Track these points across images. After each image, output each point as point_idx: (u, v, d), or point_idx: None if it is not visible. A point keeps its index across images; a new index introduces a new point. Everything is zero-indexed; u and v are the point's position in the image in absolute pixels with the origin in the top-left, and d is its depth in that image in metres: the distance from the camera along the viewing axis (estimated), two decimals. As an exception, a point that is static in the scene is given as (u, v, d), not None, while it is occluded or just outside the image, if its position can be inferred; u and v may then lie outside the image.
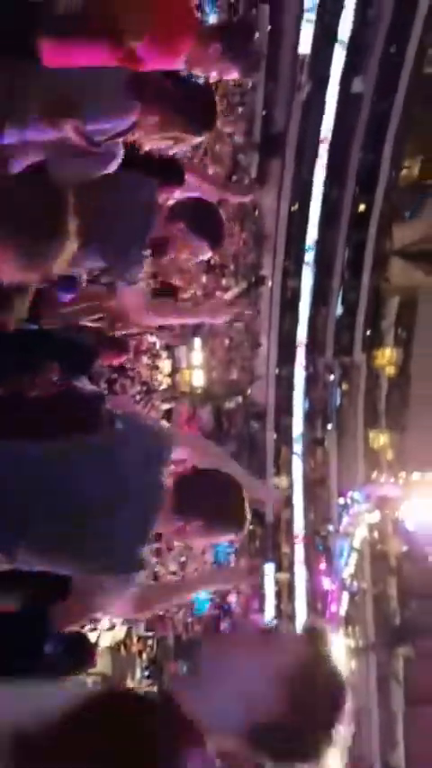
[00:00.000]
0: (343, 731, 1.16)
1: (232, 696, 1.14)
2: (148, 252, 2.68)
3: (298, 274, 17.26)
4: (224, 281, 16.10)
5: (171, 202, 2.87)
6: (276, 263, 17.17)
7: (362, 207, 16.99)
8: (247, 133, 16.40)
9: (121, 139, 2.47)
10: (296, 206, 17.32)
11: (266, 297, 17.08)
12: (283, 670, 1.13)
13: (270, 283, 17.03)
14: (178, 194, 2.99)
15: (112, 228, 2.57)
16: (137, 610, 2.23)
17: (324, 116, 15.80)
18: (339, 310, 17.78)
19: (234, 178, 16.16)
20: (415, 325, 17.77)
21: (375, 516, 16.34)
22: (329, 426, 16.21)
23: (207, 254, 2.87)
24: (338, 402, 16.93)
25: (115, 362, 4.28)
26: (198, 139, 2.68)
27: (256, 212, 17.13)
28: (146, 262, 2.69)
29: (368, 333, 17.48)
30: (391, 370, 17.51)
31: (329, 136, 15.96)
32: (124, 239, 2.63)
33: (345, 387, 17.16)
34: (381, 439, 16.65)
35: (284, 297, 17.45)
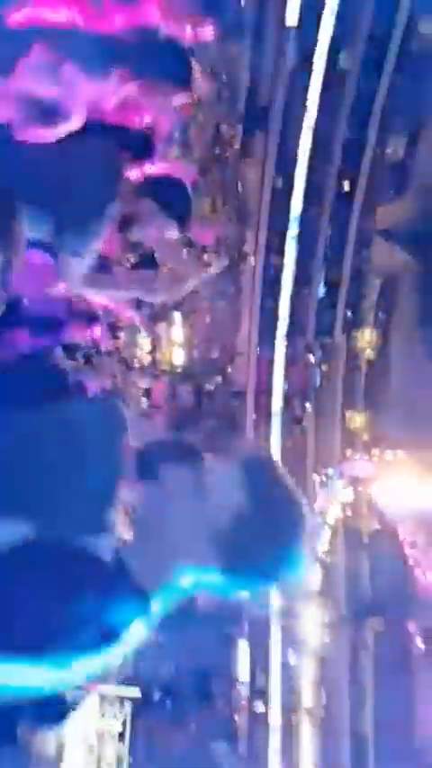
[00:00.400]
0: None
1: None
2: (109, 225, 2.63)
3: (281, 252, 17.15)
4: (205, 257, 15.97)
5: (140, 177, 2.78)
6: (259, 239, 17.04)
7: (346, 185, 16.83)
8: (231, 104, 16.07)
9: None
10: (280, 182, 17.12)
11: (248, 274, 16.99)
12: None
13: (252, 261, 16.92)
14: (150, 169, 2.91)
15: (68, 196, 2.52)
16: None
17: (310, 90, 15.50)
18: (322, 291, 17.78)
19: (217, 150, 15.91)
20: (395, 307, 17.82)
21: (349, 494, 16.63)
22: (308, 406, 16.37)
23: (175, 233, 2.82)
24: (318, 382, 17.06)
25: (88, 335, 4.26)
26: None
27: (239, 187, 16.90)
28: (102, 236, 2.63)
29: (349, 314, 17.52)
30: (370, 352, 17.64)
31: (315, 111, 15.69)
32: (82, 209, 2.57)
33: (324, 368, 17.28)
34: (357, 419, 16.87)
35: (267, 275, 17.37)
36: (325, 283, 17.68)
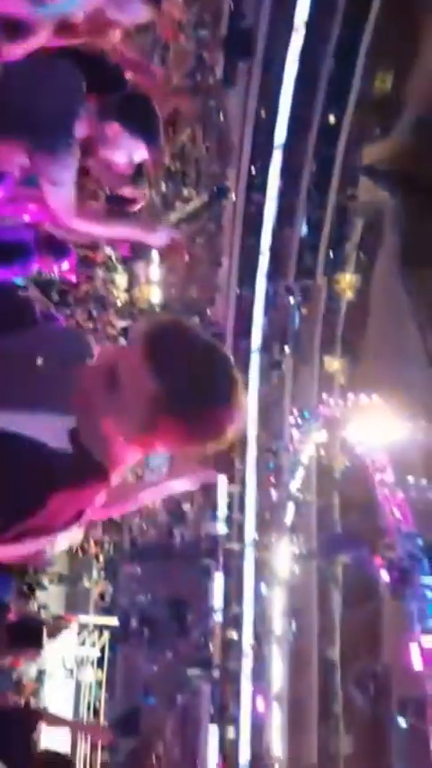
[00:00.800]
0: None
1: None
2: (75, 148, 2.46)
3: (263, 188, 16.68)
4: (185, 191, 15.47)
5: (107, 100, 2.59)
6: (241, 174, 16.52)
7: (332, 119, 16.29)
8: (213, 28, 15.22)
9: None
10: (263, 113, 16.47)
11: (229, 211, 16.56)
12: None
13: (234, 197, 16.46)
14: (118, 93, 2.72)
15: (33, 112, 2.38)
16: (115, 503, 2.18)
17: (296, 17, 14.72)
18: (304, 230, 17.45)
19: (198, 78, 15.14)
20: (378, 248, 17.66)
21: (323, 435, 16.96)
22: (286, 349, 16.39)
23: (143, 154, 2.63)
24: (296, 325, 17.01)
25: (56, 268, 4.10)
26: None
27: (221, 117, 16.24)
28: (74, 161, 2.47)
29: (331, 255, 17.32)
30: (350, 295, 17.58)
31: (301, 39, 14.96)
32: (47, 125, 2.42)
33: (304, 310, 17.20)
34: (335, 364, 17.01)
35: (248, 212, 16.95)
36: (308, 222, 17.36)
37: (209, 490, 15.53)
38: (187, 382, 1.36)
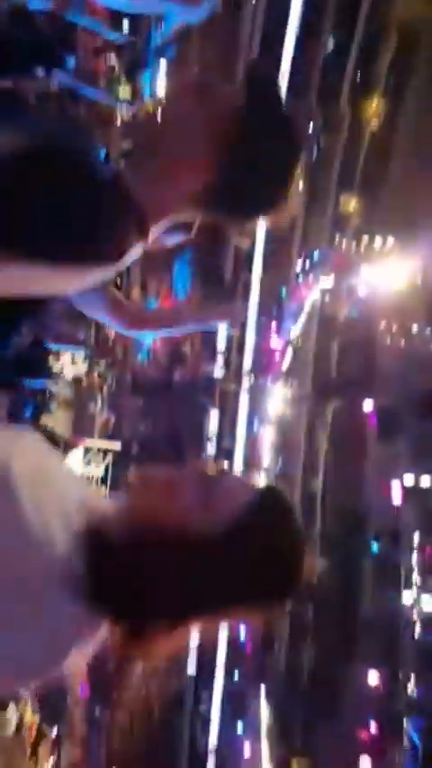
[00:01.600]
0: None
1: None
2: None
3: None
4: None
5: None
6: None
7: None
8: None
9: None
10: None
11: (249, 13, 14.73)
12: None
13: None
14: None
15: None
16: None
17: None
18: (331, 45, 15.73)
19: None
20: (410, 74, 15.94)
21: (330, 280, 16.78)
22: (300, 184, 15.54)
23: None
24: (314, 156, 15.87)
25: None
26: None
27: None
28: None
29: (358, 78, 15.72)
30: (375, 124, 16.18)
31: None
32: None
33: (323, 141, 15.98)
34: (351, 203, 16.15)
35: (267, 27, 15.18)
36: (334, 38, 15.57)
37: (209, 333, 15.74)
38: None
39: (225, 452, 16.46)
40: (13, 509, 1.11)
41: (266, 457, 16.73)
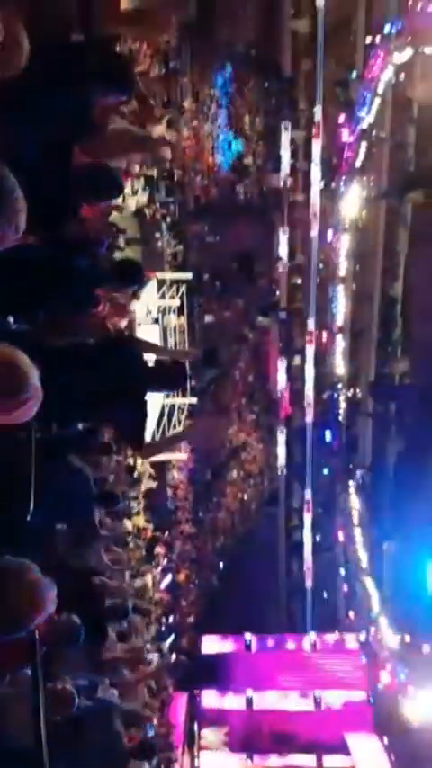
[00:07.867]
0: None
1: None
2: None
3: None
4: None
5: None
6: None
7: None
8: None
9: None
10: None
11: None
12: None
13: None
14: None
15: None
16: None
17: None
18: None
19: None
20: None
21: (406, 54, 14.55)
22: None
23: None
24: None
25: None
26: None
27: None
28: None
29: None
30: None
31: None
32: None
33: None
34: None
35: None
36: None
37: (271, 138, 14.47)
38: None
39: (297, 268, 16.11)
40: None
41: (343, 266, 16.23)
